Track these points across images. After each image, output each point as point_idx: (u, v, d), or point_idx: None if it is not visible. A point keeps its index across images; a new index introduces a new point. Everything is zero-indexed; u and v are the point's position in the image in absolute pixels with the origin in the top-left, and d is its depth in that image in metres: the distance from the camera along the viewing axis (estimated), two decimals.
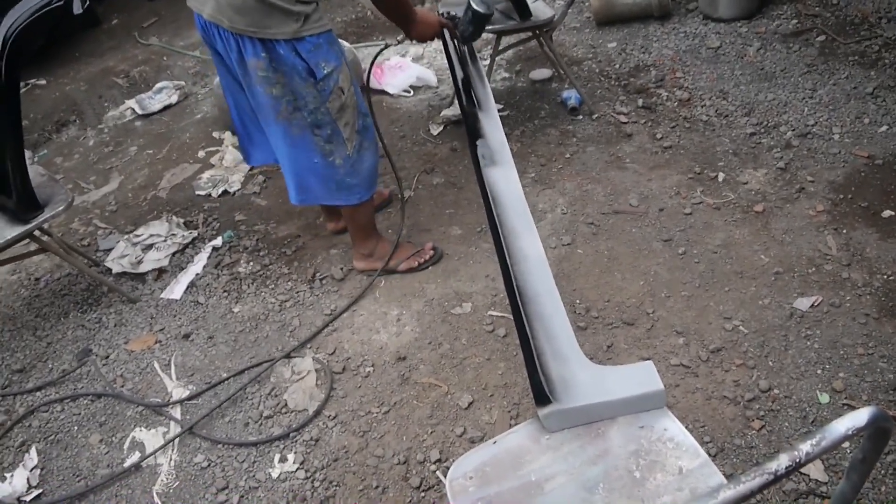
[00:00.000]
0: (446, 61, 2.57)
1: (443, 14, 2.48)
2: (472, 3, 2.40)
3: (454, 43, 2.52)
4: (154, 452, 2.23)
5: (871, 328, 2.22)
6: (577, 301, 2.47)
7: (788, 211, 2.71)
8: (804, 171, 2.89)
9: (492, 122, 2.08)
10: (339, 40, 2.33)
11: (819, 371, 2.12)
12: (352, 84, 2.30)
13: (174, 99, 4.39)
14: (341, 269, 2.79)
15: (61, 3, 2.38)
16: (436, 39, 2.46)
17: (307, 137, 2.27)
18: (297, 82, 2.15)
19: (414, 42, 2.49)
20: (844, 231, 2.58)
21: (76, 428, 2.39)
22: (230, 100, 2.46)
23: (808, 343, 2.21)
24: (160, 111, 4.33)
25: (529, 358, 1.45)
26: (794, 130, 3.11)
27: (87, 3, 2.41)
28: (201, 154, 3.79)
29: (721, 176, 2.93)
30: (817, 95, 3.29)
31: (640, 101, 3.45)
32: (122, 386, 2.51)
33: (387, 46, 2.63)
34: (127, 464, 2.23)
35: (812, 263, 2.47)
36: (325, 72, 2.16)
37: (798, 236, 2.59)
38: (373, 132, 2.45)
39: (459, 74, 2.50)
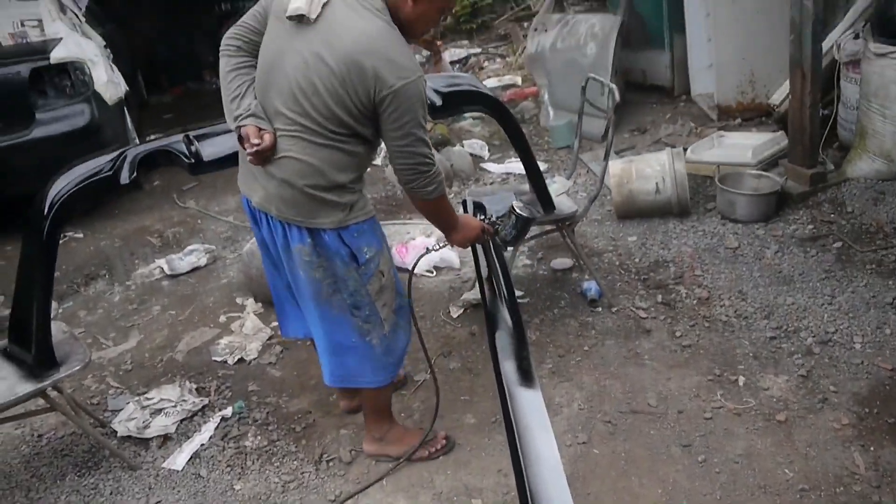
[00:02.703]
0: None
1: (482, 218, 2.49)
2: (515, 208, 2.45)
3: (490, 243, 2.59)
4: None
5: None
6: None
7: (812, 422, 2.65)
8: (827, 380, 2.85)
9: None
10: None
11: None
12: (391, 266, 2.38)
13: (203, 261, 4.50)
14: (350, 451, 2.72)
15: (110, 173, 2.51)
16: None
17: (346, 318, 2.32)
18: (339, 266, 2.23)
19: (454, 248, 2.51)
20: (872, 448, 2.49)
21: None
22: (269, 278, 2.54)
23: None
24: (188, 272, 4.43)
25: None
26: (814, 337, 3.10)
27: (135, 174, 2.53)
28: (222, 319, 3.83)
29: (742, 380, 2.89)
30: (836, 302, 3.31)
31: (660, 297, 3.49)
32: None
33: (428, 252, 2.62)
34: None
35: (839, 482, 2.37)
36: (368, 256, 2.25)
37: (823, 451, 2.51)
38: (407, 311, 2.49)
39: (482, 261, 2.57)
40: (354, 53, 1.98)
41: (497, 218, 2.52)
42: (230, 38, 2.25)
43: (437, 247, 2.49)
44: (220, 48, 2.26)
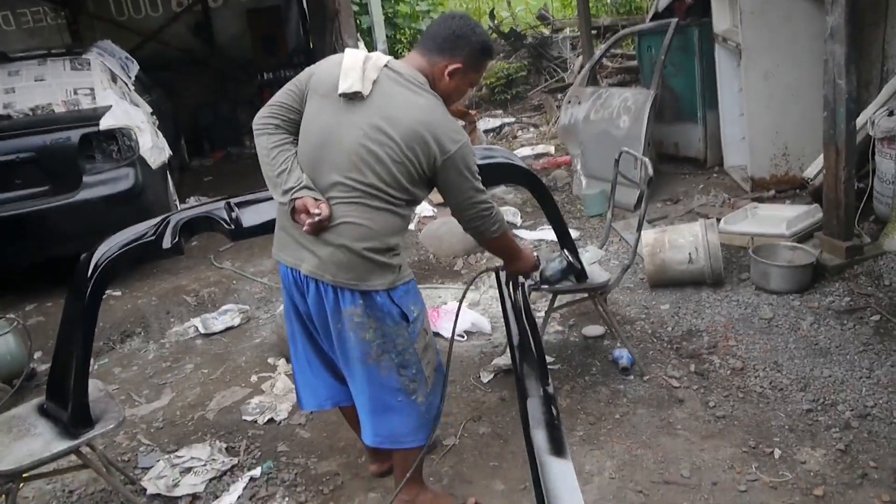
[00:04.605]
0: (501, 311, 2.68)
1: (536, 255, 2.76)
2: (569, 256, 2.92)
3: (510, 293, 2.65)
4: None
5: None
6: None
7: (851, 498, 2.57)
8: (866, 455, 2.78)
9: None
10: None
11: None
12: (430, 326, 2.52)
13: (237, 321, 4.56)
14: None
15: (153, 238, 2.60)
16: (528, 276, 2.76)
17: (393, 378, 2.38)
18: (390, 326, 2.32)
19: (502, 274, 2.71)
20: None
21: None
22: (299, 347, 2.58)
23: None
24: (221, 332, 4.49)
25: None
26: (852, 410, 3.03)
27: (177, 239, 2.62)
28: (254, 378, 3.86)
29: (777, 452, 2.83)
30: (875, 376, 3.24)
31: (693, 367, 3.45)
32: None
33: (485, 271, 2.91)
34: None
35: None
36: (415, 315, 2.37)
37: None
38: (443, 371, 2.58)
39: (513, 327, 2.59)
40: (415, 125, 2.19)
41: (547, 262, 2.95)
42: (267, 117, 2.36)
43: (496, 269, 2.73)
44: (256, 127, 2.36)
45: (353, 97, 2.22)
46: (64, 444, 2.59)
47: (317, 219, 2.18)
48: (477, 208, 2.31)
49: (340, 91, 2.22)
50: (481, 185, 2.30)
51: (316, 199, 2.21)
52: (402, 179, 2.22)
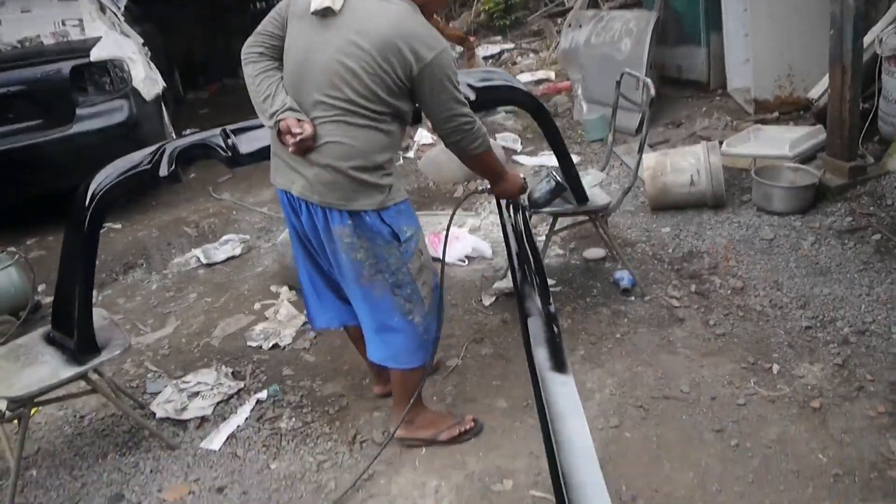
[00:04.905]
0: (502, 235, 2.68)
1: (523, 177, 2.70)
2: (554, 173, 2.79)
3: (510, 213, 2.64)
4: None
5: None
6: (624, 488, 2.36)
7: (847, 409, 2.62)
8: (863, 368, 2.81)
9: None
10: None
11: None
12: (426, 247, 2.49)
13: (238, 251, 4.58)
14: (383, 433, 2.76)
15: (149, 167, 2.58)
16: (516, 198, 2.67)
17: (388, 298, 2.39)
18: (381, 245, 2.30)
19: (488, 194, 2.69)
20: None
21: None
22: (303, 270, 2.60)
23: None
24: (223, 261, 4.50)
25: None
26: (851, 327, 3.06)
27: (174, 167, 2.60)
28: (257, 306, 3.89)
29: (776, 368, 2.87)
30: (874, 293, 3.26)
31: (693, 287, 3.47)
32: None
33: (477, 191, 2.86)
34: None
35: (874, 468, 2.34)
36: (408, 235, 2.35)
37: (858, 437, 2.48)
38: (439, 292, 2.58)
39: (514, 249, 2.59)
40: (389, 36, 2.11)
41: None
42: (251, 45, 2.35)
43: (483, 189, 2.67)
44: (243, 56, 2.35)
45: (325, 14, 2.17)
46: (72, 371, 2.62)
47: (298, 138, 2.16)
48: (457, 121, 2.23)
49: (312, 10, 2.17)
50: (463, 98, 2.23)
51: (299, 120, 2.19)
52: (380, 92, 2.15)
